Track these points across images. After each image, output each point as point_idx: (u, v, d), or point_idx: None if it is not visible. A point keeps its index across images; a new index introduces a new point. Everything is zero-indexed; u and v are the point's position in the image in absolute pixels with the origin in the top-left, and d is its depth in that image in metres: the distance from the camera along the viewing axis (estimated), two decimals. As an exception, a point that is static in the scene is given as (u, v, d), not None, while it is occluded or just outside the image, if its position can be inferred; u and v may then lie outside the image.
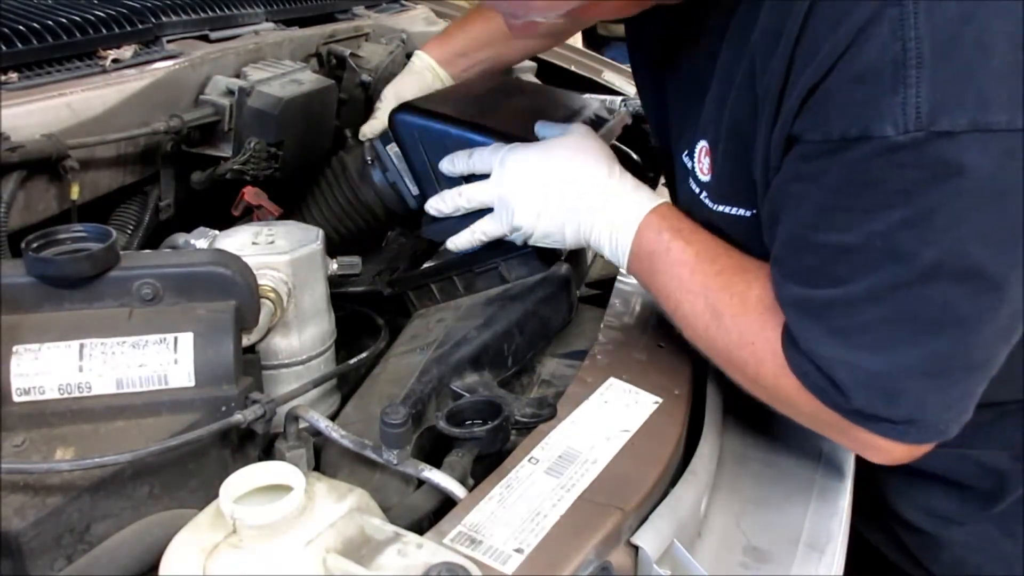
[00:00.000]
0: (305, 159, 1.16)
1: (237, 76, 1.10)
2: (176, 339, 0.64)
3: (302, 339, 0.81)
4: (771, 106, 0.67)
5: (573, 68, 1.69)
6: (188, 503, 0.63)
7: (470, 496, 0.64)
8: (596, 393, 0.77)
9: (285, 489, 0.56)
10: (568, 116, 1.00)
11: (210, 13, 1.20)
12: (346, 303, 1.01)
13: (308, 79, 1.13)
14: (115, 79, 0.98)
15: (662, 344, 0.86)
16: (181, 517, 0.58)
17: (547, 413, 0.73)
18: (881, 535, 1.01)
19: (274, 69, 1.13)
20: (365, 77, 1.29)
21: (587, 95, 1.21)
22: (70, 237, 0.67)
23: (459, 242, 0.93)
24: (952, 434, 0.67)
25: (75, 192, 0.88)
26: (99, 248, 0.65)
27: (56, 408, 0.62)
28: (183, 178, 1.07)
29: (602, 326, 0.90)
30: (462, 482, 0.67)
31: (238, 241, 0.80)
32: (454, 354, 0.83)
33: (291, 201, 1.14)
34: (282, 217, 1.04)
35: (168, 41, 1.10)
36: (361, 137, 1.12)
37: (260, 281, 0.74)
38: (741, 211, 0.77)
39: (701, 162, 0.81)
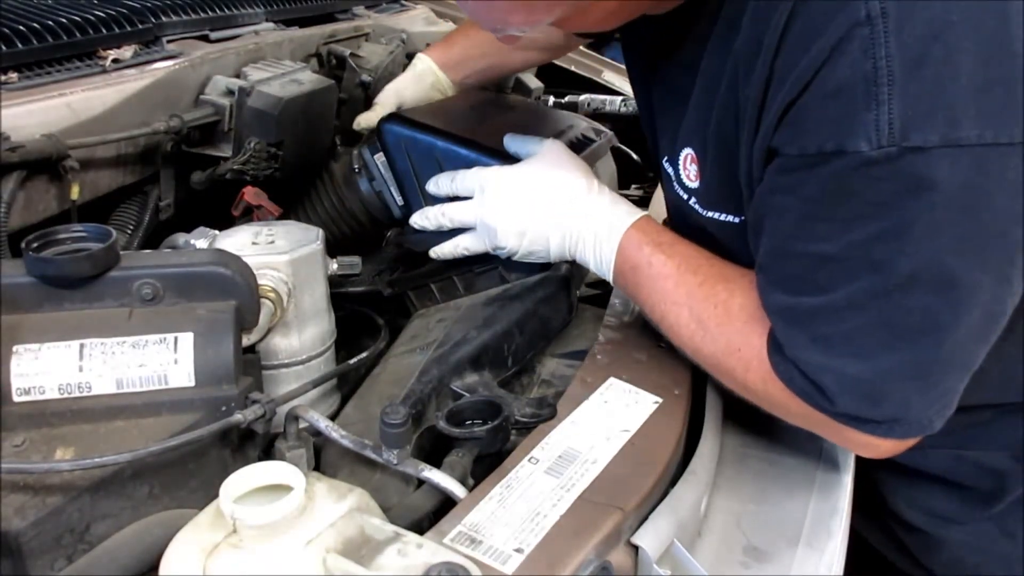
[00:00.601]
0: (305, 159, 1.16)
1: (237, 76, 1.10)
2: (176, 339, 0.64)
3: (302, 339, 0.81)
4: (752, 118, 0.68)
5: (573, 68, 1.69)
6: (188, 503, 0.63)
7: (470, 496, 0.64)
8: (596, 393, 0.77)
9: (285, 489, 0.56)
10: (555, 135, 1.01)
11: (210, 13, 1.20)
12: (346, 303, 1.01)
13: (308, 79, 1.13)
14: (115, 79, 0.98)
15: (662, 344, 0.86)
16: (181, 517, 0.58)
17: (547, 413, 0.73)
18: (880, 535, 1.01)
19: (274, 69, 1.13)
20: (365, 77, 1.29)
21: (576, 115, 1.22)
22: (70, 237, 0.67)
23: (442, 252, 0.95)
24: (937, 428, 0.70)
25: (75, 192, 0.88)
26: (99, 248, 0.65)
27: (56, 408, 0.62)
28: (183, 178, 1.07)
29: (602, 326, 0.90)
30: (462, 482, 0.67)
31: (238, 241, 0.80)
32: (454, 354, 0.83)
33: (291, 201, 1.14)
34: (282, 217, 1.04)
35: (168, 41, 1.10)
36: (356, 126, 1.13)
37: (260, 281, 0.74)
38: (730, 217, 0.79)
39: (687, 169, 0.82)
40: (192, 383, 0.64)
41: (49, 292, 0.65)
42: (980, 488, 0.90)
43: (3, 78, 0.89)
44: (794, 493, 0.78)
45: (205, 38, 1.16)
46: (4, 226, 0.80)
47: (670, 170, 0.85)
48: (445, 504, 0.66)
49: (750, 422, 0.87)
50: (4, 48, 0.91)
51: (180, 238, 0.90)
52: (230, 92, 1.05)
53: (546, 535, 0.60)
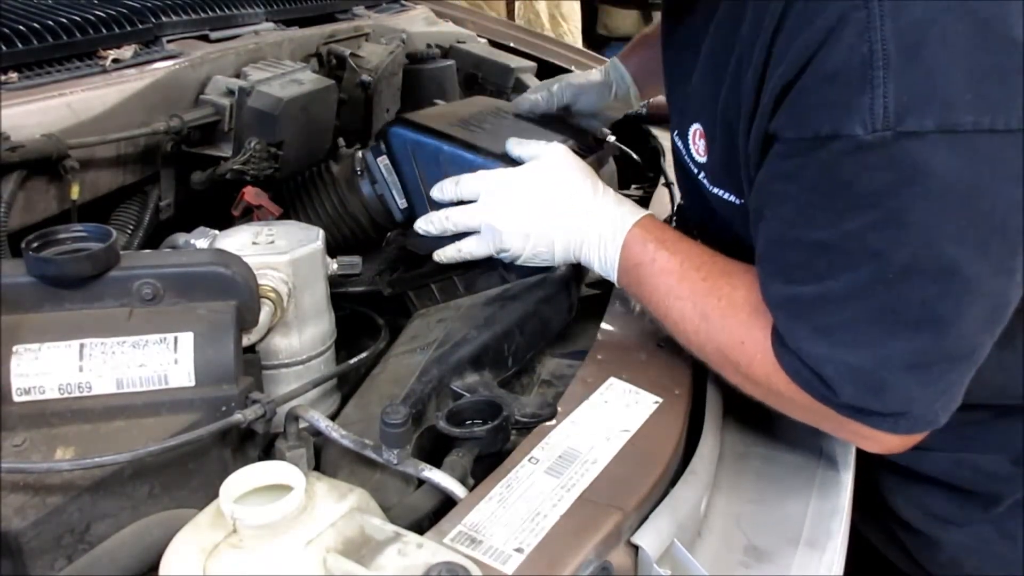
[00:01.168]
0: (305, 159, 1.16)
1: (237, 76, 1.10)
2: (176, 339, 0.64)
3: (302, 339, 0.81)
4: (750, 100, 0.68)
5: (573, 68, 1.69)
6: (188, 503, 0.63)
7: (470, 496, 0.64)
8: (596, 393, 0.77)
9: (285, 489, 0.56)
10: (560, 140, 1.01)
11: (210, 13, 1.20)
12: (346, 303, 1.01)
13: (308, 79, 1.13)
14: (115, 79, 0.98)
15: (662, 344, 0.86)
16: (181, 517, 0.58)
17: (547, 413, 0.73)
18: (880, 534, 1.01)
19: (274, 69, 1.13)
20: (365, 77, 1.29)
21: (580, 117, 1.22)
22: (70, 237, 0.67)
23: (444, 256, 0.95)
24: (942, 422, 0.69)
25: (75, 192, 0.88)
26: (99, 248, 0.65)
27: (56, 408, 0.62)
28: (183, 178, 1.07)
29: (602, 326, 0.90)
30: (462, 482, 0.67)
31: (238, 241, 0.80)
32: (454, 354, 0.83)
33: (292, 202, 1.14)
34: (282, 217, 1.04)
35: (168, 41, 1.10)
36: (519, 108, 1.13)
37: (260, 281, 0.74)
38: (733, 198, 0.79)
39: (696, 144, 0.83)
40: (192, 383, 0.64)
41: (49, 292, 0.65)
42: (979, 491, 0.89)
43: (3, 78, 0.89)
44: (794, 493, 0.78)
45: (205, 38, 1.16)
46: (4, 226, 0.80)
47: (679, 144, 0.86)
48: (445, 504, 0.66)
49: (750, 422, 0.87)
50: (4, 48, 0.91)
51: (180, 238, 0.90)
52: (230, 92, 1.05)
53: (546, 535, 0.60)
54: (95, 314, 0.65)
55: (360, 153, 1.07)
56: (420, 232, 0.96)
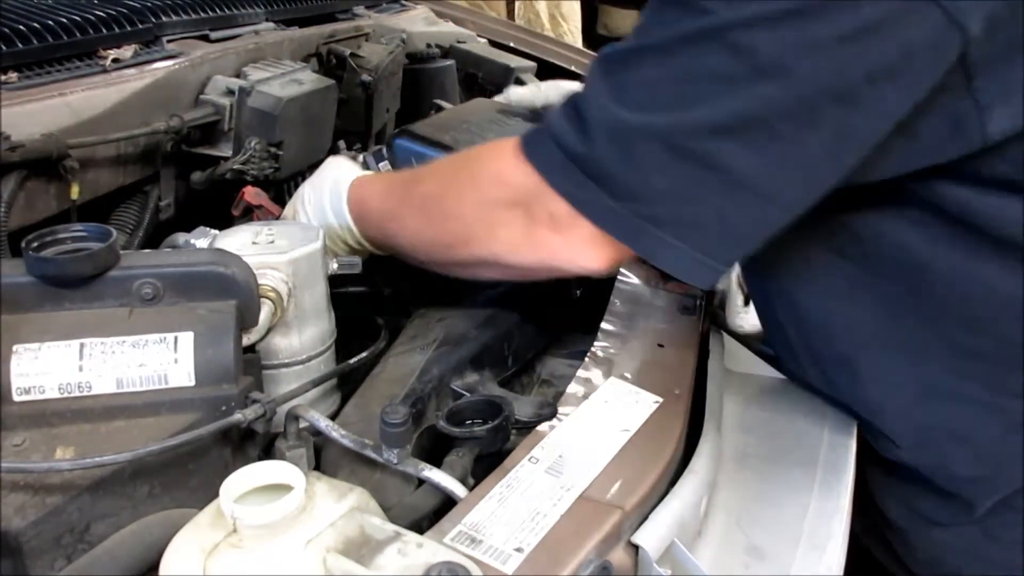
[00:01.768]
0: (305, 159, 1.16)
1: (237, 76, 1.10)
2: (176, 338, 0.64)
3: (302, 339, 0.81)
4: None
5: (573, 68, 1.69)
6: (188, 503, 0.63)
7: (470, 495, 0.64)
8: (596, 393, 0.77)
9: (285, 488, 0.56)
10: None
11: (210, 13, 1.20)
12: (346, 303, 1.00)
13: (308, 79, 1.13)
14: (115, 79, 0.98)
15: (662, 344, 0.86)
16: (181, 517, 0.58)
17: (547, 413, 0.73)
18: (870, 534, 1.01)
19: (274, 69, 1.13)
20: (365, 77, 1.30)
21: None
22: (70, 237, 0.67)
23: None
24: (637, 246, 0.69)
25: (75, 192, 0.88)
26: (99, 248, 0.65)
27: (56, 408, 0.62)
28: (183, 178, 1.07)
29: (602, 326, 0.90)
30: (462, 481, 0.67)
31: (238, 241, 0.80)
32: (454, 354, 0.84)
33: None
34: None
35: (168, 41, 1.10)
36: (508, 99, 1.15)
37: (260, 281, 0.74)
38: None
39: None
40: (192, 383, 0.64)
41: (49, 292, 0.65)
42: (962, 496, 0.88)
43: (3, 78, 0.89)
44: (795, 493, 0.78)
45: (205, 38, 1.16)
46: (4, 226, 0.80)
47: None
48: (445, 504, 0.66)
49: (751, 422, 0.87)
50: (4, 48, 0.91)
51: (180, 238, 0.90)
52: (230, 92, 1.05)
53: (546, 535, 0.60)
54: (95, 314, 0.65)
55: (361, 157, 1.07)
56: None
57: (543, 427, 0.71)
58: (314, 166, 1.15)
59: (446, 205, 0.80)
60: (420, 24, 1.65)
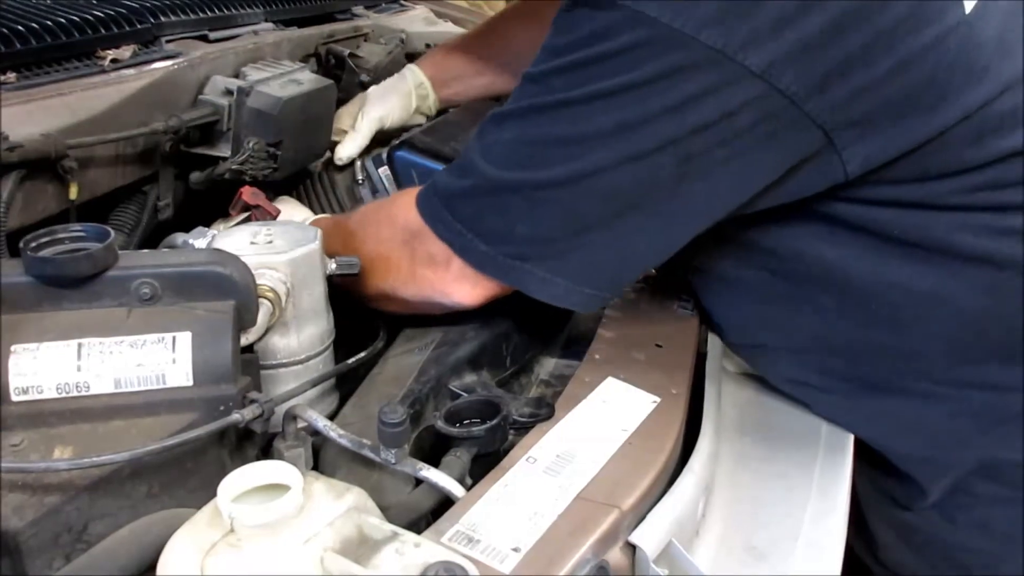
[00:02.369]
0: (304, 159, 1.16)
1: (236, 76, 1.10)
2: (174, 338, 0.64)
3: (301, 339, 0.81)
4: None
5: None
6: (186, 502, 0.63)
7: (468, 495, 0.64)
8: (594, 392, 0.77)
9: (283, 488, 0.56)
10: None
11: (209, 13, 1.20)
12: (345, 304, 1.00)
13: (307, 79, 1.13)
14: (114, 79, 0.98)
15: (660, 344, 0.86)
16: (179, 516, 0.58)
17: (545, 413, 0.73)
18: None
19: (273, 69, 1.13)
20: (364, 77, 1.30)
21: None
22: (69, 237, 0.67)
23: None
24: (508, 279, 0.78)
25: (74, 192, 0.88)
26: (98, 248, 0.65)
27: (54, 408, 0.62)
28: (182, 178, 1.07)
29: (601, 326, 0.90)
30: (460, 481, 0.67)
31: (236, 241, 0.80)
32: (452, 354, 0.84)
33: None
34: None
35: (167, 41, 1.10)
36: (337, 161, 1.14)
37: (259, 281, 0.74)
38: None
39: None
40: (190, 383, 0.64)
41: (47, 291, 0.65)
42: (915, 476, 0.88)
43: (2, 78, 0.89)
44: (793, 492, 0.78)
45: (204, 38, 1.16)
46: (3, 226, 0.80)
47: None
48: (443, 503, 0.66)
49: (750, 422, 0.87)
50: (3, 48, 0.91)
51: (179, 238, 0.90)
52: (229, 92, 1.05)
53: (544, 534, 0.60)
54: (93, 314, 0.65)
55: (361, 161, 1.07)
56: None
57: (541, 427, 0.72)
58: (316, 170, 1.16)
59: (358, 241, 0.88)
60: (419, 24, 1.65)
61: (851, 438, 0.86)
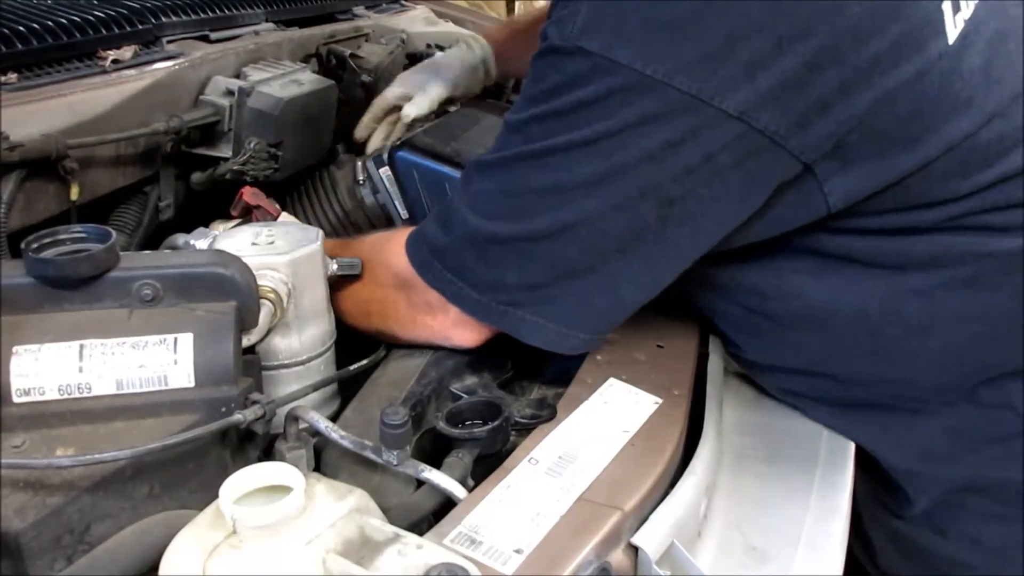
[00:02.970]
0: (305, 159, 1.16)
1: (237, 76, 1.10)
2: (176, 340, 0.64)
3: (302, 339, 0.81)
4: None
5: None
6: (188, 503, 0.63)
7: (470, 497, 0.64)
8: (596, 393, 0.77)
9: (285, 490, 0.56)
10: None
11: (210, 14, 1.20)
12: None
13: (308, 79, 1.13)
14: (115, 79, 0.98)
15: (662, 344, 0.86)
16: (181, 517, 0.58)
17: (547, 414, 0.73)
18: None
19: (274, 69, 1.13)
20: (365, 77, 1.29)
21: None
22: (70, 238, 0.67)
23: None
24: (501, 325, 0.78)
25: (75, 193, 0.88)
26: (99, 249, 0.65)
27: (56, 409, 0.62)
28: (183, 179, 1.07)
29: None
30: (462, 483, 0.67)
31: (238, 242, 0.80)
32: (453, 356, 0.84)
33: (291, 205, 1.14)
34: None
35: (168, 41, 1.10)
36: (404, 119, 1.14)
37: (260, 282, 0.74)
38: None
39: None
40: (192, 384, 0.64)
41: (49, 293, 0.65)
42: (908, 489, 0.88)
43: (3, 79, 0.89)
44: (794, 494, 0.78)
45: (205, 38, 1.16)
46: (4, 226, 0.80)
47: None
48: (445, 505, 0.66)
49: (751, 423, 0.87)
50: (4, 49, 0.90)
51: (180, 239, 0.90)
52: (230, 92, 1.05)
53: (546, 536, 0.60)
54: (95, 315, 0.65)
55: (362, 162, 1.07)
56: None
57: (543, 428, 0.71)
58: (314, 166, 1.16)
59: (357, 283, 0.87)
60: (420, 24, 1.64)
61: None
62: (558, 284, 0.75)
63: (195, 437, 0.62)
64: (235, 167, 1.03)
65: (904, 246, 0.76)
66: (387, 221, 1.06)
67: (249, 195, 1.00)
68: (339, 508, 0.56)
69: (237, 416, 0.64)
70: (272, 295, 0.76)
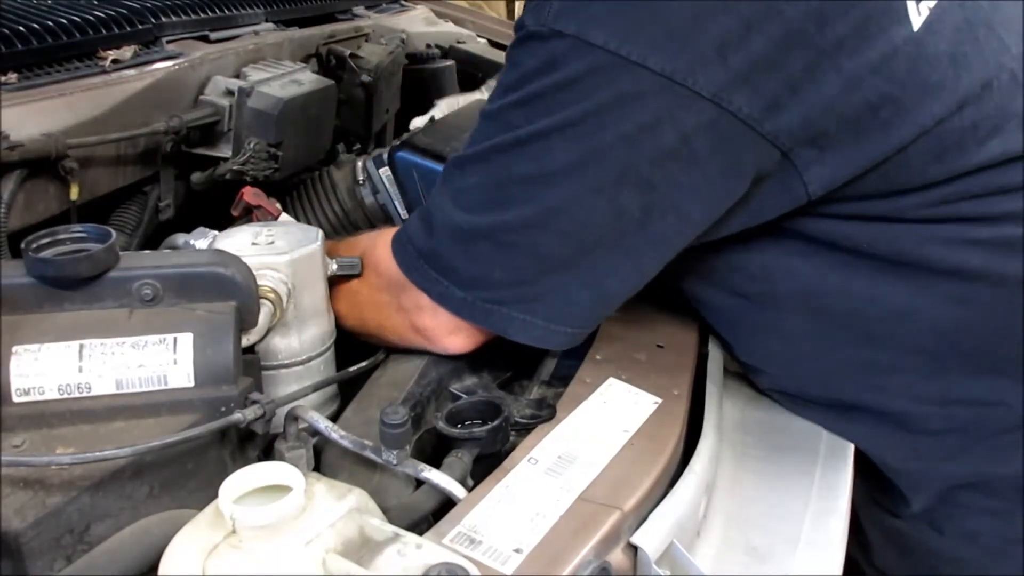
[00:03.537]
0: (305, 159, 1.16)
1: (237, 76, 1.10)
2: (176, 339, 0.64)
3: (302, 339, 0.81)
4: None
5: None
6: (188, 503, 0.63)
7: (469, 496, 0.64)
8: (596, 393, 0.77)
9: (285, 489, 0.56)
10: None
11: (210, 14, 1.20)
12: None
13: (308, 79, 1.13)
14: (115, 80, 0.98)
15: (662, 344, 0.86)
16: (181, 517, 0.58)
17: (546, 413, 0.73)
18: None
19: (274, 69, 1.13)
20: (365, 77, 1.29)
21: None
22: (70, 238, 0.67)
23: None
24: (488, 324, 0.77)
25: (75, 192, 0.88)
26: (99, 249, 0.65)
27: (56, 409, 0.62)
28: (183, 179, 1.07)
29: (602, 326, 0.90)
30: (461, 482, 0.67)
31: (238, 241, 0.80)
32: (452, 357, 0.84)
33: (291, 205, 1.14)
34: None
35: (168, 42, 1.10)
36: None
37: (260, 282, 0.74)
38: None
39: None
40: (192, 383, 0.64)
41: (49, 292, 0.65)
42: (900, 487, 0.88)
43: (3, 79, 0.89)
44: (794, 493, 0.78)
45: (205, 38, 1.16)
46: (4, 226, 0.80)
47: None
48: (445, 505, 0.66)
49: (751, 423, 0.87)
50: (4, 49, 0.91)
51: (180, 238, 0.90)
52: (230, 92, 1.05)
53: (545, 535, 0.60)
54: (95, 315, 0.65)
55: (361, 162, 1.07)
56: None
57: (542, 427, 0.71)
58: (314, 166, 1.16)
59: (350, 286, 0.87)
60: (420, 24, 1.65)
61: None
62: (543, 279, 0.75)
63: (195, 437, 0.62)
64: (235, 167, 1.03)
65: (886, 232, 0.77)
66: (387, 221, 1.06)
67: (249, 195, 1.00)
68: (339, 508, 0.56)
69: (237, 416, 0.64)
70: (272, 295, 0.76)
